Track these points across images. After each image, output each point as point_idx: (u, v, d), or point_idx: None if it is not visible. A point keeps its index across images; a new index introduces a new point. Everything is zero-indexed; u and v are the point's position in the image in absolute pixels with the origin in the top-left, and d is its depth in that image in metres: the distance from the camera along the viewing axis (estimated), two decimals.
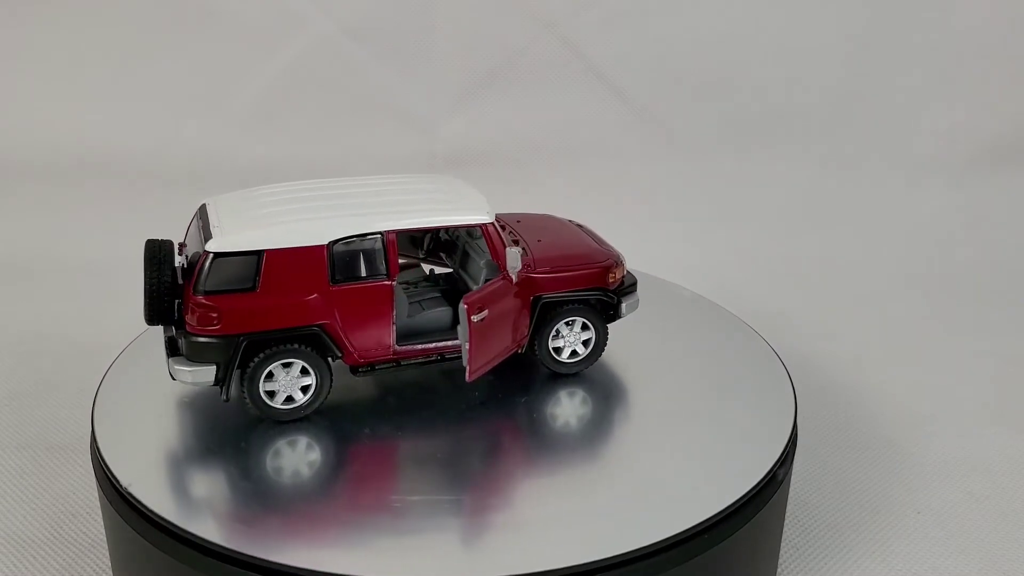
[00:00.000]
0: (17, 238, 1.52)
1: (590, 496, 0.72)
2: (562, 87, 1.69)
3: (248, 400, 0.77)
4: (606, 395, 0.85)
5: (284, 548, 0.64)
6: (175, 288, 0.75)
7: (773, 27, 1.68)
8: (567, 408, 0.83)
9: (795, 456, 0.80)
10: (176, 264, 0.77)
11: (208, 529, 0.66)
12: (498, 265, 0.81)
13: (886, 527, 0.94)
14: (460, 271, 0.90)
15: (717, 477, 0.73)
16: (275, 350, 0.76)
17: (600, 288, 0.85)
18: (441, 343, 0.81)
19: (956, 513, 0.96)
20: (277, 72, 1.67)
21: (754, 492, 0.72)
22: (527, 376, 0.86)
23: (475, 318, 0.76)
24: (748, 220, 1.63)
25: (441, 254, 0.94)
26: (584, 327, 0.85)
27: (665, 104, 1.70)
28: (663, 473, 0.74)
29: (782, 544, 0.86)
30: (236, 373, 0.76)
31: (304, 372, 0.77)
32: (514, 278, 0.80)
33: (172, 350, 0.76)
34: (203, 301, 0.73)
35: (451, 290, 0.88)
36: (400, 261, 0.93)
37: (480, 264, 0.85)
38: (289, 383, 0.77)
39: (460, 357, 0.79)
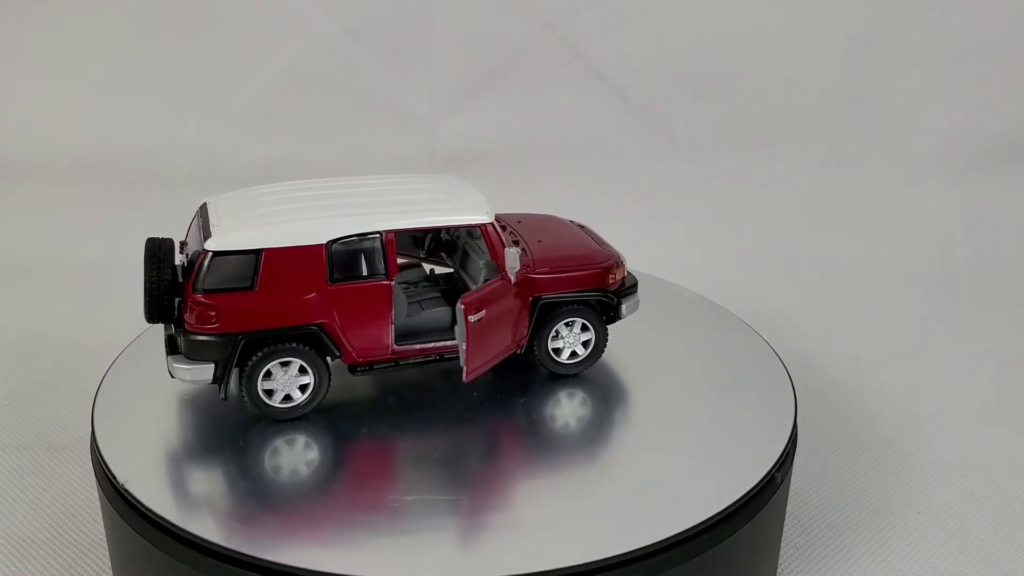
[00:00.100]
0: (17, 238, 1.52)
1: (590, 496, 0.72)
2: (562, 87, 1.69)
3: (246, 399, 0.77)
4: (606, 395, 0.85)
5: (284, 548, 0.64)
6: (175, 286, 0.75)
7: (773, 27, 1.68)
8: (566, 408, 0.83)
9: (795, 456, 0.80)
10: (177, 262, 0.77)
11: (208, 529, 0.66)
12: (497, 265, 0.81)
13: (886, 527, 0.94)
14: (460, 271, 0.90)
15: (717, 477, 0.73)
16: (273, 349, 0.76)
17: (600, 289, 0.85)
18: (440, 343, 0.81)
19: (956, 513, 0.96)
20: (277, 72, 1.67)
21: (754, 492, 0.72)
22: (527, 376, 0.86)
23: (472, 318, 0.76)
24: (748, 220, 1.63)
25: (442, 254, 0.94)
26: (584, 328, 0.85)
27: (665, 104, 1.70)
28: (663, 473, 0.74)
29: (782, 544, 0.86)
30: (234, 372, 0.76)
31: (302, 371, 0.77)
32: (512, 279, 0.80)
33: (171, 348, 0.77)
34: (202, 299, 0.73)
35: (451, 290, 0.88)
36: (401, 261, 0.93)
37: (480, 264, 0.85)
38: (287, 382, 0.77)
39: (459, 357, 0.79)
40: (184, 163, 1.63)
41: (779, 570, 0.87)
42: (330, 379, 0.79)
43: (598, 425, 0.81)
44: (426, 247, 0.95)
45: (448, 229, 0.92)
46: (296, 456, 0.75)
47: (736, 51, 1.69)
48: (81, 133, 1.64)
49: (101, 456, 0.74)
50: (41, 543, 0.89)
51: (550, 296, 0.83)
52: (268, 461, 0.74)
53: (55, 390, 1.13)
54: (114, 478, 0.71)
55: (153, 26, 1.65)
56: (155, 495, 0.70)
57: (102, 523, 0.80)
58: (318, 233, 0.75)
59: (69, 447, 1.02)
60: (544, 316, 0.83)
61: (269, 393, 0.77)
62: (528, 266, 0.83)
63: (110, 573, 0.83)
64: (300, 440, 0.77)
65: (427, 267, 0.95)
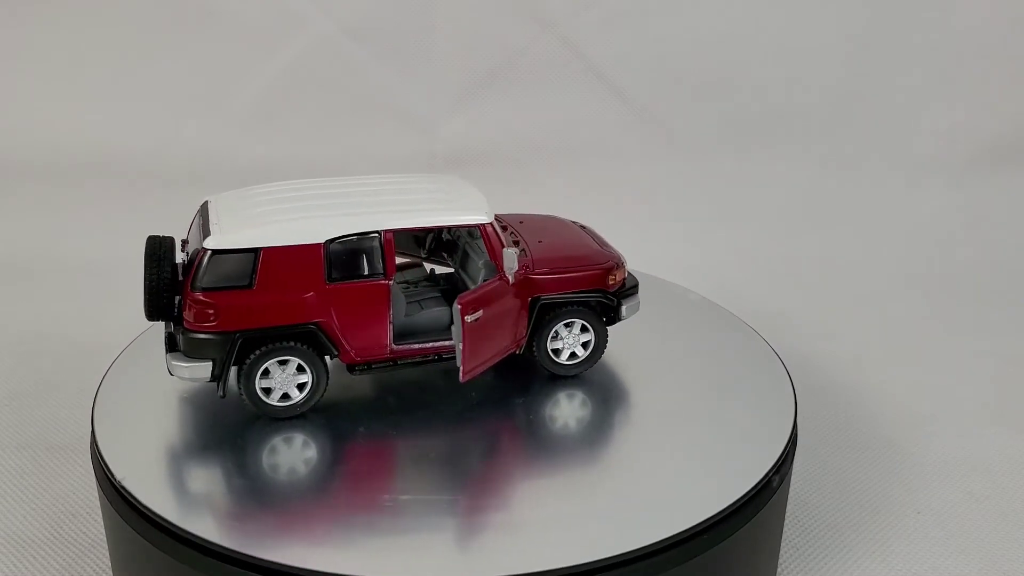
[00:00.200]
0: (17, 238, 1.52)
1: (589, 496, 0.72)
2: (562, 87, 1.69)
3: (244, 397, 0.77)
4: (605, 395, 0.85)
5: (284, 548, 0.64)
6: (175, 284, 0.75)
7: (773, 27, 1.68)
8: (566, 409, 0.83)
9: (795, 456, 0.80)
10: (178, 260, 0.77)
11: (208, 528, 0.66)
12: (496, 266, 0.81)
13: (886, 527, 0.94)
14: (460, 271, 0.90)
15: (717, 477, 0.73)
16: (271, 347, 0.76)
17: (600, 290, 0.85)
18: (438, 343, 0.81)
19: (956, 513, 0.96)
20: (277, 72, 1.67)
21: (754, 492, 0.72)
22: (526, 377, 0.86)
23: (469, 319, 0.76)
24: (748, 220, 1.63)
25: (443, 254, 0.94)
26: (583, 329, 0.85)
27: (665, 104, 1.70)
28: (663, 473, 0.74)
29: (782, 544, 0.86)
30: (232, 370, 0.76)
31: (300, 370, 0.78)
32: (511, 279, 0.80)
33: (171, 346, 0.77)
34: (200, 297, 0.74)
35: (451, 290, 0.88)
36: (402, 260, 0.93)
37: (479, 264, 0.85)
38: (285, 380, 0.77)
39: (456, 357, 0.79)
40: (184, 163, 1.63)
41: (779, 570, 0.87)
42: (328, 378, 0.79)
43: (598, 425, 0.81)
44: (427, 247, 0.95)
45: (448, 229, 0.92)
46: (295, 455, 0.75)
47: (736, 51, 1.69)
48: (81, 133, 1.64)
49: (101, 456, 0.74)
50: (41, 543, 0.89)
51: (549, 297, 0.83)
52: (267, 460, 0.74)
53: (55, 390, 1.13)
54: (113, 477, 0.71)
55: (153, 26, 1.65)
56: (155, 495, 0.70)
57: (102, 523, 0.80)
58: (316, 232, 0.75)
59: (69, 447, 1.02)
60: (543, 317, 0.83)
61: (267, 391, 0.77)
62: (527, 266, 0.82)
63: (110, 573, 0.83)
64: (299, 439, 0.77)
65: (428, 266, 0.95)
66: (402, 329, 0.82)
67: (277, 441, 0.76)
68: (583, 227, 0.95)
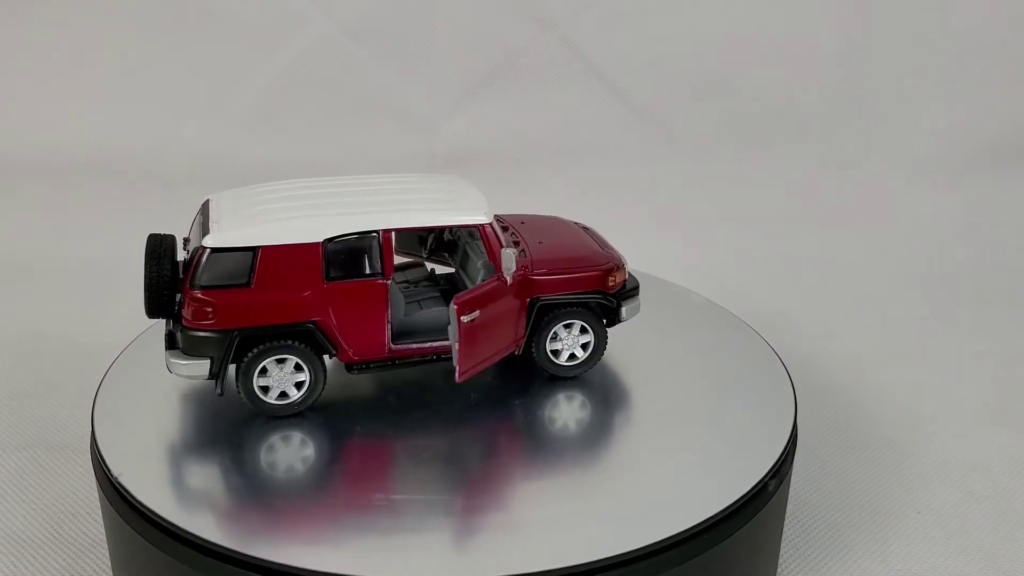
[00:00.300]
0: (17, 238, 1.52)
1: (590, 497, 0.72)
2: (562, 87, 1.69)
3: (242, 395, 0.77)
4: (605, 395, 0.85)
5: (284, 548, 0.64)
6: (175, 282, 0.76)
7: (773, 27, 1.68)
8: (565, 409, 0.83)
9: (795, 456, 0.80)
10: (180, 258, 0.77)
11: (208, 528, 0.66)
12: (494, 266, 0.81)
13: (886, 527, 0.94)
14: (461, 271, 0.90)
15: (717, 477, 0.73)
16: (269, 346, 0.76)
17: (599, 291, 0.85)
18: (437, 343, 0.81)
19: (956, 513, 0.96)
20: (277, 72, 1.67)
21: (754, 492, 0.72)
22: (526, 377, 0.86)
23: (465, 319, 0.76)
24: (748, 220, 1.63)
25: (444, 254, 0.94)
26: (583, 330, 0.85)
27: (665, 104, 1.70)
28: (663, 473, 0.74)
29: (782, 544, 0.86)
30: (231, 368, 0.76)
31: (298, 368, 0.78)
32: (508, 279, 0.80)
33: (170, 344, 0.77)
34: (199, 295, 0.74)
35: (451, 290, 0.88)
36: (404, 260, 0.93)
37: (478, 265, 0.85)
38: (283, 379, 0.78)
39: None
40: (184, 163, 1.63)
41: (779, 570, 0.87)
42: (326, 377, 0.79)
43: (597, 425, 0.81)
44: (428, 246, 0.95)
45: (448, 229, 0.92)
46: (294, 454, 0.75)
47: (736, 51, 1.69)
48: (81, 133, 1.64)
49: (101, 456, 0.74)
50: (41, 543, 0.89)
51: (548, 297, 0.83)
52: (269, 460, 0.74)
53: (55, 390, 1.13)
54: (112, 476, 0.71)
55: (153, 26, 1.65)
56: (155, 495, 0.70)
57: (102, 523, 0.80)
58: (314, 231, 0.76)
59: (69, 447, 1.02)
60: (542, 317, 0.83)
61: (265, 390, 0.77)
62: (526, 267, 0.82)
63: (110, 573, 0.83)
64: (297, 437, 0.77)
65: (430, 266, 0.95)
66: (401, 329, 0.82)
67: (276, 439, 0.77)
68: (585, 228, 0.95)
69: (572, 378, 0.86)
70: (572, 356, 0.85)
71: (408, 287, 0.89)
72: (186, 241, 0.80)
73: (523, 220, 0.93)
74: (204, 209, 0.80)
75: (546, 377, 0.86)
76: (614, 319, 0.86)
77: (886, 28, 1.69)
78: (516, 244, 0.86)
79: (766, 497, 0.73)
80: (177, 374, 0.76)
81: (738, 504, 0.71)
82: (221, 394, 0.77)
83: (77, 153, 1.64)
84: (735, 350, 0.93)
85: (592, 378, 0.86)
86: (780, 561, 0.87)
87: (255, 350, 0.76)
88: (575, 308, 0.84)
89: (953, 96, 1.71)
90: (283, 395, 0.78)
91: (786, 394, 0.85)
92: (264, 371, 0.77)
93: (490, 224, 0.80)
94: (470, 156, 1.68)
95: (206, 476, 0.74)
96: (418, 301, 0.86)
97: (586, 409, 0.83)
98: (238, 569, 0.64)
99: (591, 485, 0.73)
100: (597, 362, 0.86)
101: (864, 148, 1.71)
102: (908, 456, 1.05)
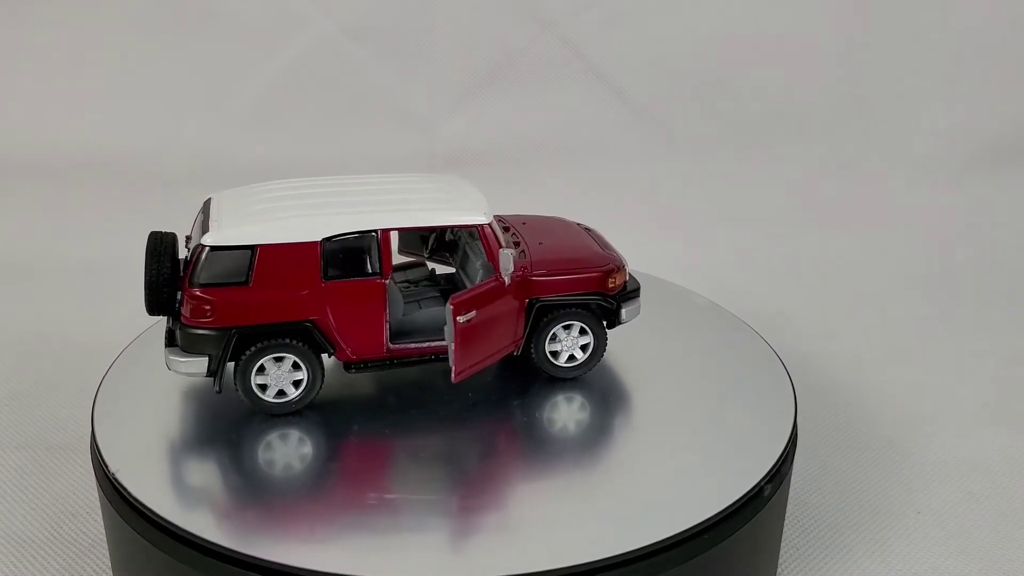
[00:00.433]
0: (17, 238, 1.52)
1: (590, 497, 0.72)
2: (562, 87, 1.69)
3: (240, 392, 0.77)
4: (605, 395, 0.85)
5: (283, 547, 0.64)
6: (175, 280, 0.76)
7: (773, 27, 1.68)
8: (565, 410, 0.83)
9: (795, 456, 0.80)
10: (181, 256, 0.78)
11: (208, 528, 0.66)
12: (493, 266, 0.81)
13: (886, 527, 0.94)
14: (460, 271, 0.90)
15: (717, 477, 0.73)
16: (266, 344, 0.76)
17: (599, 293, 0.84)
18: (436, 343, 0.81)
19: (956, 513, 0.96)
20: (277, 72, 1.67)
21: (754, 492, 0.72)
22: (525, 378, 0.86)
23: (461, 319, 0.76)
24: (748, 220, 1.63)
25: (445, 253, 0.94)
26: (582, 332, 0.85)
27: (665, 104, 1.70)
28: (663, 473, 0.74)
29: (782, 544, 0.86)
30: (230, 366, 0.76)
31: (296, 367, 0.78)
32: (507, 280, 0.80)
33: (170, 341, 0.77)
34: (197, 293, 0.74)
35: (451, 290, 0.88)
36: (406, 259, 0.93)
37: (477, 265, 0.85)
38: (281, 377, 0.78)
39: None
40: (184, 163, 1.63)
41: (779, 570, 0.87)
42: (324, 376, 0.79)
43: (597, 425, 0.81)
44: (429, 246, 0.95)
45: (448, 229, 0.92)
46: (292, 452, 0.75)
47: (736, 51, 1.69)
48: (81, 133, 1.64)
49: (101, 456, 0.74)
50: (41, 543, 0.89)
51: (547, 298, 0.83)
52: (265, 458, 0.74)
53: (55, 390, 1.13)
54: (113, 477, 0.71)
55: (153, 26, 1.65)
56: (155, 494, 0.70)
57: (102, 523, 0.80)
58: (312, 230, 0.76)
59: (69, 447, 1.02)
60: (541, 318, 0.83)
61: (263, 388, 0.78)
62: (526, 268, 0.82)
63: (110, 573, 0.83)
64: (302, 438, 0.77)
65: (431, 265, 0.95)
66: (399, 328, 0.82)
67: (273, 438, 0.77)
68: (587, 229, 0.95)
69: (571, 379, 0.86)
70: (571, 357, 0.85)
71: (408, 287, 0.89)
72: (188, 239, 0.81)
73: (525, 221, 0.93)
74: (206, 208, 0.80)
75: (545, 378, 0.86)
76: (614, 321, 0.86)
77: (886, 28, 1.68)
78: (516, 245, 0.86)
79: (766, 497, 0.73)
80: (175, 371, 0.77)
81: (738, 504, 0.71)
82: (219, 392, 0.77)
83: (77, 153, 1.64)
84: (735, 350, 0.93)
85: (592, 378, 0.86)
86: (780, 561, 0.87)
87: (253, 348, 0.76)
88: (574, 309, 0.84)
89: (953, 96, 1.71)
90: (281, 393, 0.78)
91: (786, 394, 0.85)
92: (262, 369, 0.77)
93: (489, 224, 0.80)
94: (470, 156, 1.68)
95: (205, 475, 0.74)
96: (417, 301, 0.86)
97: (585, 410, 0.83)
98: (238, 569, 0.64)
99: (590, 485, 0.73)
100: (596, 363, 0.86)
101: (864, 148, 1.71)
102: (908, 456, 1.05)
